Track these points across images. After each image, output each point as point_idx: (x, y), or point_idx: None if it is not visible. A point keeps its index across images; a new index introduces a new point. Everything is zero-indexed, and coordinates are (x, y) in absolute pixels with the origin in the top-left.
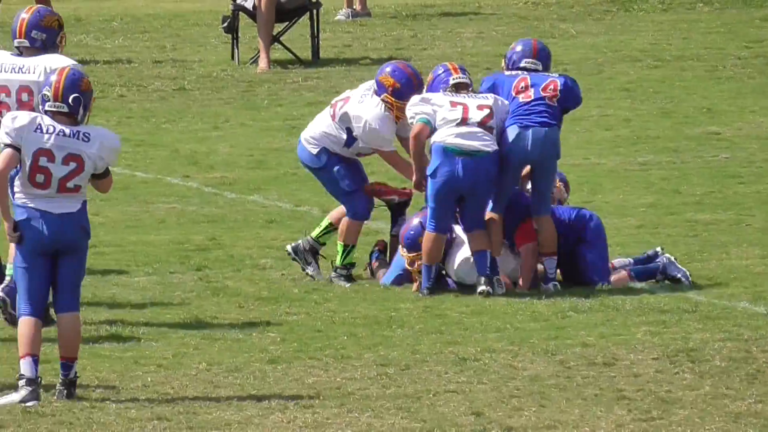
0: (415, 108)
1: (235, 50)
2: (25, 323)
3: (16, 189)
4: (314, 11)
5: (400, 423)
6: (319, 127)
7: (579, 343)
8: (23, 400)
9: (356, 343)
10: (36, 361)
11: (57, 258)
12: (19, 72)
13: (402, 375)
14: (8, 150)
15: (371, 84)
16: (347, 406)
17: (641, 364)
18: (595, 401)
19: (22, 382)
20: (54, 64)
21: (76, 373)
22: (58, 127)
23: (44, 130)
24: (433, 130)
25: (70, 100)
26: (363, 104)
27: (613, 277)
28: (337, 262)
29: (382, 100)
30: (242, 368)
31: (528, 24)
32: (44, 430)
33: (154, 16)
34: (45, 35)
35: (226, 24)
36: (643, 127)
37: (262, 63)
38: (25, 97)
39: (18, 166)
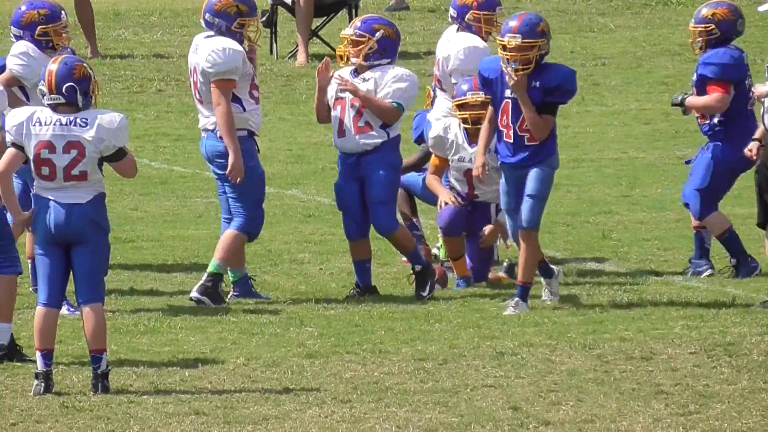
0: None
1: (274, 45)
2: (39, 314)
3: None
4: (352, 6)
5: (437, 417)
6: None
7: (617, 338)
8: (33, 393)
9: (394, 338)
10: (46, 355)
11: (70, 248)
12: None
13: (440, 369)
14: (10, 150)
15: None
16: (385, 401)
17: (679, 358)
18: (632, 395)
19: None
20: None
21: (108, 365)
22: (55, 117)
23: (42, 122)
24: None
25: (64, 90)
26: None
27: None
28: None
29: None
30: (280, 363)
31: (567, 18)
32: (81, 425)
33: (193, 10)
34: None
35: (264, 18)
36: (681, 121)
37: (301, 57)
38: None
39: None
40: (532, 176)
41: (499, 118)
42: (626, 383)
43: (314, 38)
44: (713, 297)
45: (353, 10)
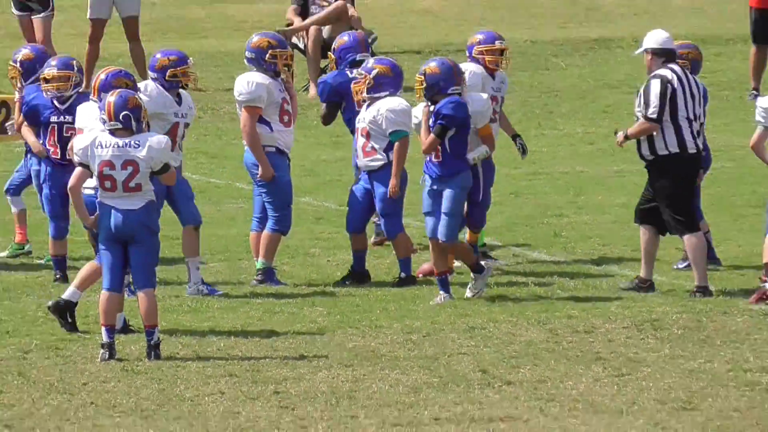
0: None
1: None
2: (103, 297)
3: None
4: None
5: (421, 378)
6: None
7: (565, 315)
8: (100, 359)
9: (387, 315)
10: (110, 330)
11: (127, 245)
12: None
13: (423, 340)
14: (79, 168)
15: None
16: (379, 365)
17: (614, 331)
18: (577, 361)
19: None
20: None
21: (158, 338)
22: (114, 140)
23: (104, 145)
24: None
25: (120, 117)
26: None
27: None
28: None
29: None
30: (296, 335)
31: (527, 58)
32: (138, 384)
33: (225, 53)
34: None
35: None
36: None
37: (312, 91)
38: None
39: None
40: (447, 195)
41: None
42: (572, 351)
43: (322, 75)
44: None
45: None
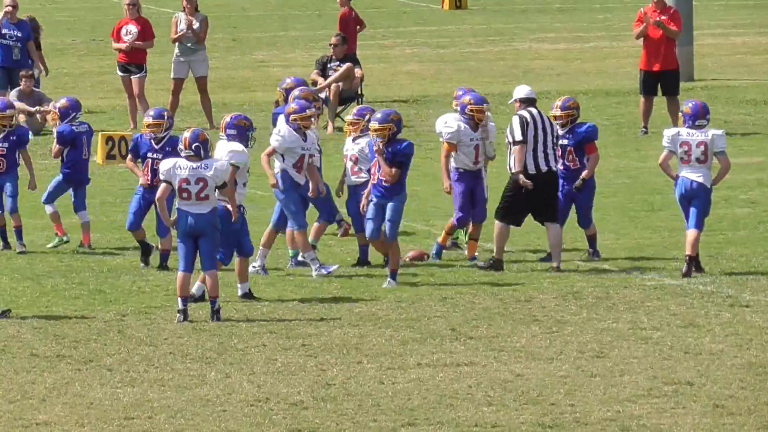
0: None
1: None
2: (180, 276)
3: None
4: (359, 99)
5: (408, 335)
6: None
7: (510, 289)
8: (177, 321)
9: (383, 290)
10: (184, 300)
11: (197, 239)
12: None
13: (409, 307)
14: (163, 184)
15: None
16: (378, 325)
17: (546, 300)
18: (519, 322)
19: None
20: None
21: (219, 306)
22: (189, 164)
23: (182, 167)
24: None
25: (193, 148)
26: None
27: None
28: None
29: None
30: (318, 303)
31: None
32: (204, 338)
33: (268, 102)
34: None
35: None
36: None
37: (330, 128)
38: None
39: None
40: (391, 207)
41: (375, 169)
42: (516, 315)
43: (337, 117)
44: (565, 266)
45: (359, 100)
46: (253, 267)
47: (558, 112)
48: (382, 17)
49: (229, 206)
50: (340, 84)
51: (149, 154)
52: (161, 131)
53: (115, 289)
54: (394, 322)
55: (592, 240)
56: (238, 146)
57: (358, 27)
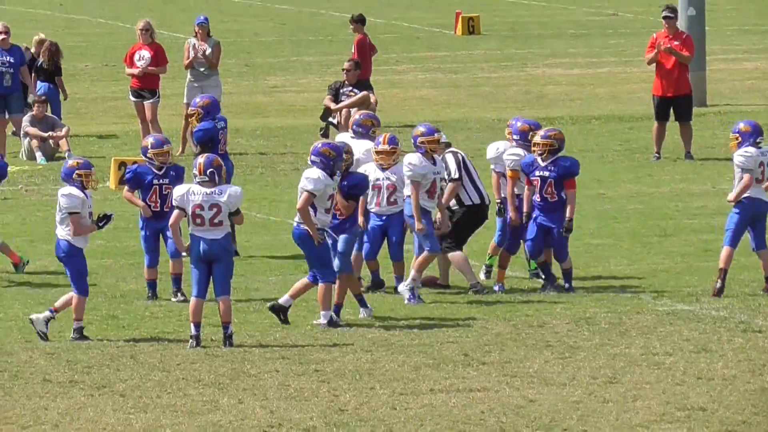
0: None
1: None
2: (192, 302)
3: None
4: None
5: (421, 360)
6: None
7: (523, 314)
8: (189, 347)
9: (395, 315)
10: (197, 325)
11: (211, 264)
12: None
13: (421, 332)
14: (177, 211)
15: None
16: (391, 350)
17: (559, 326)
18: (532, 347)
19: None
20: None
21: (231, 331)
22: (203, 189)
23: (196, 193)
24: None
25: (207, 173)
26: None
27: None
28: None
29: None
30: (330, 330)
31: (494, 132)
32: (216, 364)
33: (281, 127)
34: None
35: (322, 132)
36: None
37: None
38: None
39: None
40: (343, 239)
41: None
42: (528, 340)
43: None
44: (577, 292)
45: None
46: (406, 286)
47: (537, 140)
48: (395, 42)
49: (309, 230)
50: (352, 110)
51: (155, 181)
52: (167, 160)
53: (128, 314)
54: (407, 347)
55: (567, 274)
56: (314, 173)
57: (372, 52)
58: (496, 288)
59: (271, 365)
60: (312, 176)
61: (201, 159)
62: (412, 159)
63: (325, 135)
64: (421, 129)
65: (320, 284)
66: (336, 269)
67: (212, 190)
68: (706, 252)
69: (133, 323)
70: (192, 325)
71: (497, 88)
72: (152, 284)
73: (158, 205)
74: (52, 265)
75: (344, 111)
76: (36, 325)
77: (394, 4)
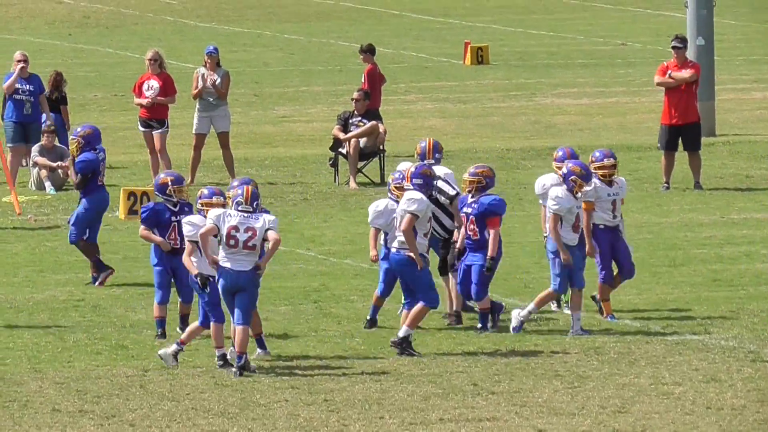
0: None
1: (336, 176)
2: (214, 326)
3: (220, 253)
4: (381, 154)
5: (430, 389)
6: None
7: (533, 344)
8: (219, 366)
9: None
10: (221, 349)
11: (235, 294)
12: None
13: (431, 362)
14: (211, 224)
15: None
16: (400, 380)
17: (568, 355)
18: (541, 377)
19: (218, 361)
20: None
21: (246, 361)
22: (239, 213)
23: (231, 215)
24: None
25: (253, 205)
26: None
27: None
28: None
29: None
30: (340, 359)
31: (504, 161)
32: (226, 394)
33: (290, 157)
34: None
35: (331, 161)
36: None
37: (352, 184)
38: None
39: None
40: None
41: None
42: (538, 370)
43: (359, 173)
44: (586, 321)
45: (382, 157)
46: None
47: (465, 176)
48: (403, 72)
49: (411, 254)
50: (361, 140)
51: (172, 219)
52: (185, 196)
53: (137, 344)
54: (416, 377)
55: (482, 314)
56: (416, 194)
57: (381, 82)
58: (609, 319)
59: (280, 395)
60: (415, 197)
61: (245, 191)
62: (558, 192)
63: (334, 165)
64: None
65: (420, 305)
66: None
67: (250, 215)
68: (715, 282)
69: (142, 353)
70: (216, 350)
71: (506, 118)
72: (161, 322)
73: (177, 241)
74: (62, 294)
75: (353, 141)
76: (166, 361)
77: (402, 34)
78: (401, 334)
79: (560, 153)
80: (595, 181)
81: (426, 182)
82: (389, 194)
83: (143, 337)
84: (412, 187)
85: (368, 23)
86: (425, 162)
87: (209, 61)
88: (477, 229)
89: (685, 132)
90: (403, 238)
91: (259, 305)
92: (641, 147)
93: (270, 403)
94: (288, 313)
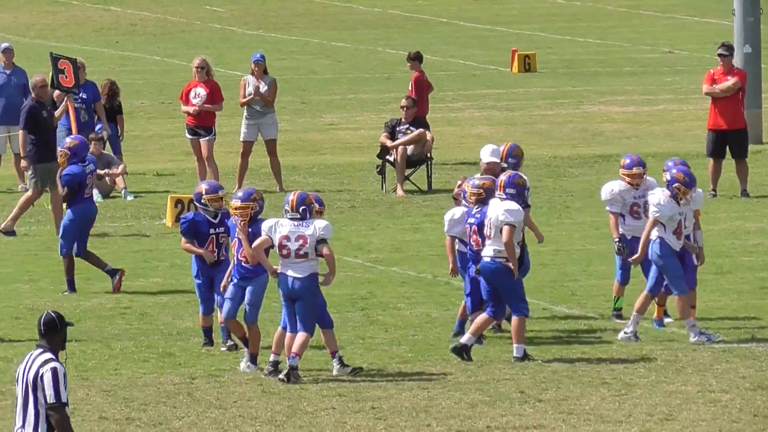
0: None
1: (384, 184)
2: (277, 333)
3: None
4: (429, 162)
5: (477, 397)
6: None
7: (579, 352)
8: (265, 373)
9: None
10: (276, 355)
11: (296, 302)
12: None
13: (478, 370)
14: (265, 237)
15: None
16: (447, 387)
17: (615, 363)
18: (589, 384)
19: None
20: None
21: (296, 366)
22: (290, 222)
23: (283, 225)
24: None
25: (300, 210)
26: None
27: None
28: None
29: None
30: (386, 366)
31: (551, 169)
32: (273, 401)
33: (337, 164)
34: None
35: (378, 169)
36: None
37: (399, 192)
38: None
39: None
40: (249, 290)
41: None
42: (585, 378)
43: (407, 180)
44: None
45: (429, 164)
46: (625, 333)
47: (467, 188)
48: (451, 80)
49: (509, 264)
50: (408, 147)
51: (210, 231)
52: (222, 207)
53: (184, 351)
54: (463, 384)
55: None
56: (514, 205)
57: (429, 90)
58: (656, 326)
59: (327, 402)
60: (513, 208)
61: (292, 195)
62: (660, 199)
63: (381, 172)
64: (675, 171)
65: (514, 318)
66: (250, 321)
67: (300, 223)
68: (762, 290)
69: (189, 360)
70: (272, 355)
71: (553, 126)
72: (207, 332)
73: (215, 254)
74: (109, 302)
75: (400, 148)
76: (295, 380)
77: (450, 41)
78: (515, 353)
79: (627, 161)
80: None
81: (519, 192)
82: (463, 201)
83: (190, 344)
84: (504, 197)
85: (416, 31)
86: (516, 171)
87: (256, 68)
88: (480, 240)
89: (731, 139)
90: (498, 247)
91: None
92: (688, 154)
93: (317, 411)
94: (335, 320)
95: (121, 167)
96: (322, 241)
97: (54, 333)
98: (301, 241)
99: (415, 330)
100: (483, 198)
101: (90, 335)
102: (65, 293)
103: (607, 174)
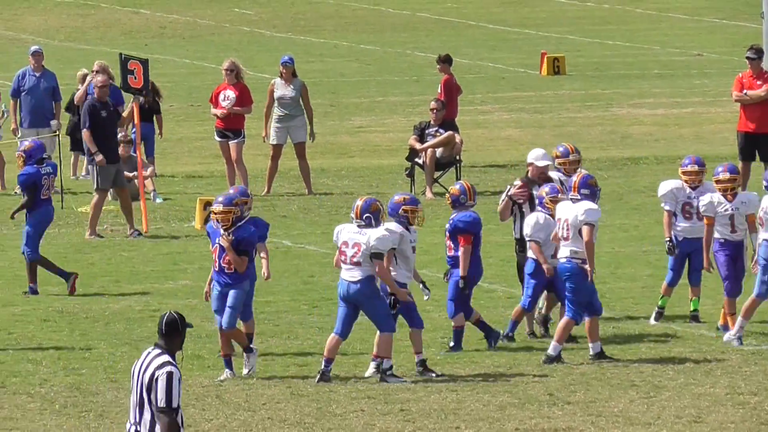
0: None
1: (413, 186)
2: (331, 338)
3: None
4: (458, 164)
5: (506, 399)
6: None
7: (608, 353)
8: (317, 381)
9: (480, 355)
10: (328, 361)
11: (356, 307)
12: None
13: (507, 371)
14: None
15: None
16: (476, 390)
17: (644, 365)
18: (617, 387)
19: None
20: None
21: (379, 364)
22: (354, 228)
23: (345, 231)
24: None
25: (363, 218)
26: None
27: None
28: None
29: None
30: (409, 372)
31: None
32: (302, 404)
33: (366, 167)
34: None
35: (407, 172)
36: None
37: (428, 194)
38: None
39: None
40: (231, 293)
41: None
42: (614, 380)
43: (435, 183)
44: (662, 330)
45: (458, 167)
46: (730, 336)
47: (448, 194)
48: (480, 83)
49: (585, 266)
50: (437, 150)
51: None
52: (232, 218)
53: (213, 354)
54: (492, 386)
55: (456, 332)
56: (593, 205)
57: (458, 92)
58: (725, 333)
59: (356, 405)
60: (593, 207)
61: (359, 202)
62: (713, 198)
63: (410, 175)
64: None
65: (587, 320)
66: (226, 325)
67: (360, 231)
68: None
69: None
70: (324, 360)
71: (582, 128)
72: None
73: (218, 264)
74: (138, 305)
75: (429, 151)
76: (389, 380)
77: (479, 44)
78: (591, 352)
79: (686, 160)
80: (713, 195)
81: (592, 192)
82: (540, 208)
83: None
84: (579, 197)
85: (445, 34)
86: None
87: (285, 71)
88: (453, 246)
89: (761, 142)
90: (576, 248)
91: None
92: (717, 157)
93: (346, 413)
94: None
95: (149, 170)
96: (376, 255)
97: (175, 334)
98: (356, 249)
99: (444, 332)
100: (453, 203)
101: (119, 338)
102: (26, 294)
103: (636, 176)
